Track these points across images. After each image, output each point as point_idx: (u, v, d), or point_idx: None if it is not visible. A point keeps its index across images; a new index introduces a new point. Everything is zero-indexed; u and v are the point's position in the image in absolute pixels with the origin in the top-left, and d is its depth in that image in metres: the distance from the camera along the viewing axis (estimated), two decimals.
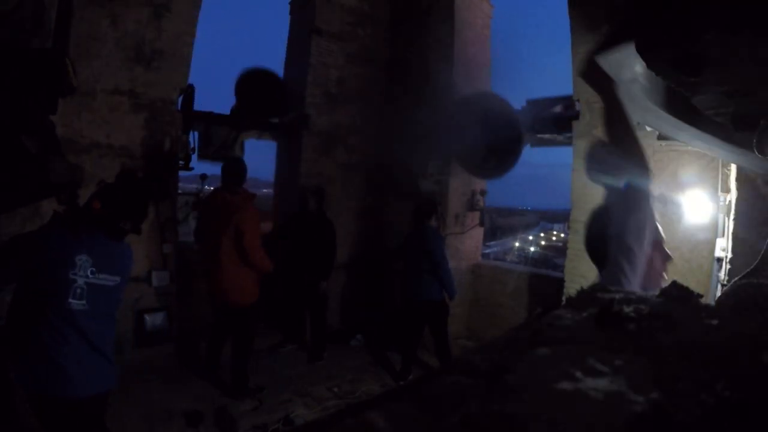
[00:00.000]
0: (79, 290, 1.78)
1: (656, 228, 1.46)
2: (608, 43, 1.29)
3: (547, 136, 4.28)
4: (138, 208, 1.95)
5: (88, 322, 1.80)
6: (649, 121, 1.58)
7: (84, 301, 1.79)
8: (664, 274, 1.38)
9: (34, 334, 1.73)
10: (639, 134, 3.29)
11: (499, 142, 4.13)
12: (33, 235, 1.80)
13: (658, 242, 1.40)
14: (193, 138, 4.09)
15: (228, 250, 3.26)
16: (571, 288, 3.62)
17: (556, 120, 4.17)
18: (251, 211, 3.35)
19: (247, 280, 3.37)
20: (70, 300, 1.76)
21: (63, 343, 1.74)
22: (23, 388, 1.79)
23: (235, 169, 3.45)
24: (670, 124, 1.41)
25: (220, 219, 3.28)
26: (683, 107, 1.27)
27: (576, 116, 3.80)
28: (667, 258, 1.41)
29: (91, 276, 1.82)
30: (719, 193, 3.03)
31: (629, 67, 1.27)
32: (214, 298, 3.48)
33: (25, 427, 1.95)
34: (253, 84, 4.67)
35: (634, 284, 1.21)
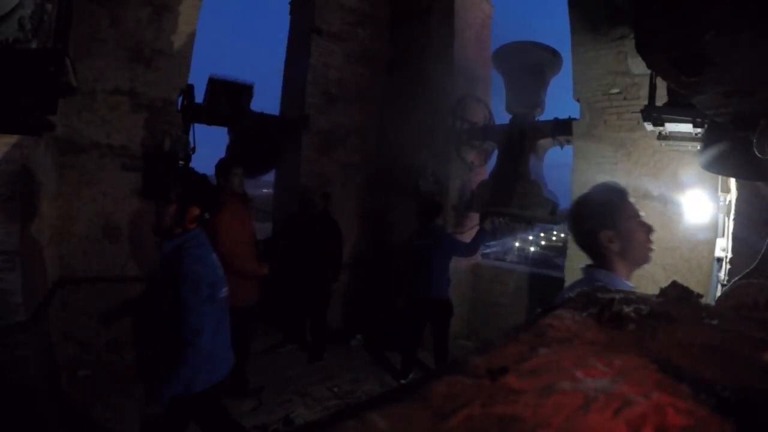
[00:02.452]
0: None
1: None
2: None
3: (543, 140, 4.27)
4: (213, 193, 2.13)
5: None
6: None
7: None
8: None
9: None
10: (639, 134, 3.31)
11: None
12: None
13: None
14: (193, 138, 4.09)
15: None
16: None
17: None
18: (226, 214, 3.11)
19: (246, 280, 3.30)
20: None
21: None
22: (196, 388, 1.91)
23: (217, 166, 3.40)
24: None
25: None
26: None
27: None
28: None
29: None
30: (719, 193, 3.03)
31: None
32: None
33: None
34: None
35: None
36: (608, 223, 1.26)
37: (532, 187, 4.03)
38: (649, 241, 1.28)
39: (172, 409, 1.88)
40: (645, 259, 1.30)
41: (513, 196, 4.09)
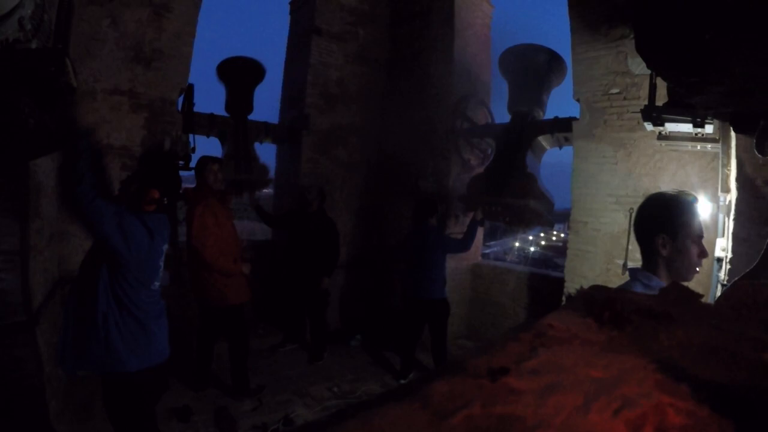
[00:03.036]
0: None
1: None
2: None
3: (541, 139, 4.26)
4: (178, 183, 2.20)
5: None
6: None
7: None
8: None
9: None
10: (639, 134, 3.31)
11: None
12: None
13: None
14: (193, 138, 4.09)
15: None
16: (571, 288, 3.62)
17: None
18: (200, 208, 3.22)
19: (232, 279, 3.31)
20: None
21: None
22: None
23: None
24: None
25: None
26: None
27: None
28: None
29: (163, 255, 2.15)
30: (719, 193, 3.03)
31: None
32: (204, 301, 3.36)
33: None
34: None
35: None
36: (668, 230, 1.29)
37: (527, 179, 4.02)
38: (699, 264, 1.31)
39: (106, 386, 2.00)
40: (687, 277, 1.32)
41: (507, 186, 4.07)
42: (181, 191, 2.17)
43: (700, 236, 1.31)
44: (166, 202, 2.03)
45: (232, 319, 3.41)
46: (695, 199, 1.38)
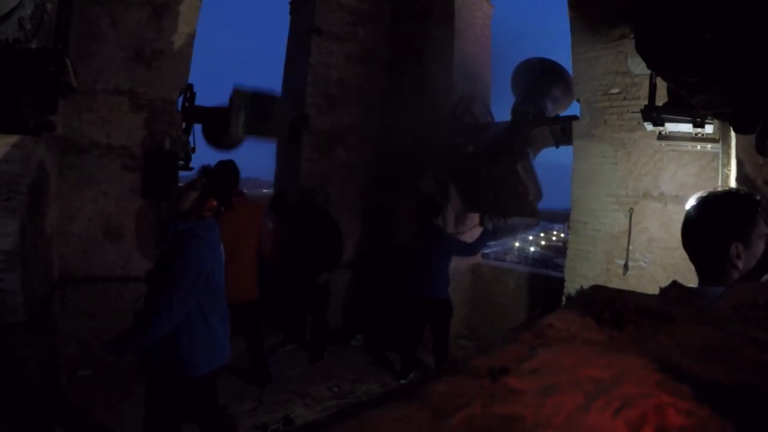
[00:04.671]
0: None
1: None
2: None
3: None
4: (232, 189, 2.33)
5: None
6: None
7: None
8: None
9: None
10: (639, 134, 3.31)
11: None
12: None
13: None
14: (193, 138, 4.09)
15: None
16: (571, 288, 3.62)
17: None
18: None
19: (254, 277, 3.52)
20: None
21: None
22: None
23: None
24: None
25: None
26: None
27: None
28: None
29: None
30: None
31: None
32: (236, 298, 3.45)
33: None
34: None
35: None
36: (742, 235, 1.12)
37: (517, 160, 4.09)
38: None
39: (167, 388, 2.00)
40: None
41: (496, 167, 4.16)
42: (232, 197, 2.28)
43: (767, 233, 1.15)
44: (221, 209, 2.15)
45: (252, 314, 3.57)
46: (751, 191, 1.21)
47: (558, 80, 4.29)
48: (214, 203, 2.09)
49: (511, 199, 4.20)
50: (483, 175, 4.28)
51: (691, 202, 1.24)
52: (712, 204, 1.18)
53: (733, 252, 1.10)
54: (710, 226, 1.17)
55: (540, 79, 4.37)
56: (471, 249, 3.91)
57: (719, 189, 1.24)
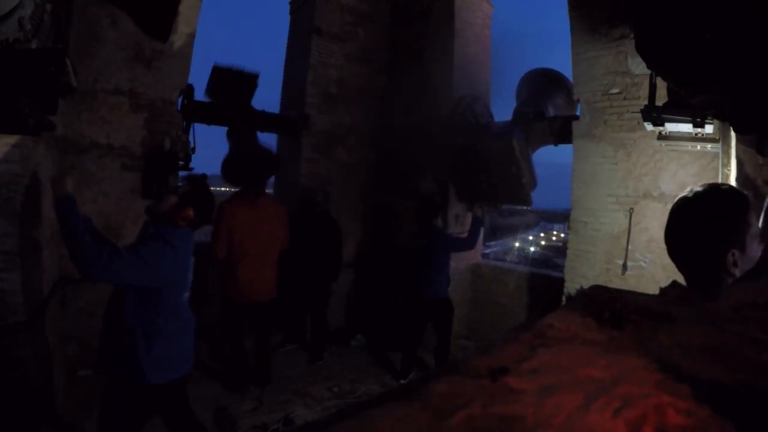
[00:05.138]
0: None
1: None
2: None
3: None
4: (212, 206, 2.26)
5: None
6: None
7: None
8: None
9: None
10: (639, 134, 3.31)
11: None
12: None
13: None
14: (193, 138, 4.09)
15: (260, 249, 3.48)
16: (571, 288, 3.62)
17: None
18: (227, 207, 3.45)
19: (276, 277, 3.59)
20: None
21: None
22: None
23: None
24: None
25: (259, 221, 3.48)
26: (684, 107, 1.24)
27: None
28: None
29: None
30: None
31: None
32: (241, 298, 3.46)
33: None
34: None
35: None
36: (737, 240, 1.01)
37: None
38: None
39: (125, 397, 1.97)
40: None
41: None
42: (212, 214, 2.25)
43: (758, 232, 1.05)
44: (197, 222, 2.11)
45: (266, 314, 3.63)
46: (739, 189, 1.09)
47: (561, 89, 4.30)
48: (191, 213, 2.05)
49: (505, 180, 4.12)
50: (477, 154, 4.22)
51: (676, 205, 1.13)
52: (701, 207, 1.06)
53: (729, 260, 1.00)
54: (702, 234, 1.04)
55: (543, 86, 4.40)
56: (468, 242, 3.89)
57: (702, 188, 1.10)
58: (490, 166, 4.20)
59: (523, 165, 4.02)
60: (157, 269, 1.90)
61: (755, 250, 1.03)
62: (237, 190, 3.62)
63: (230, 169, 3.66)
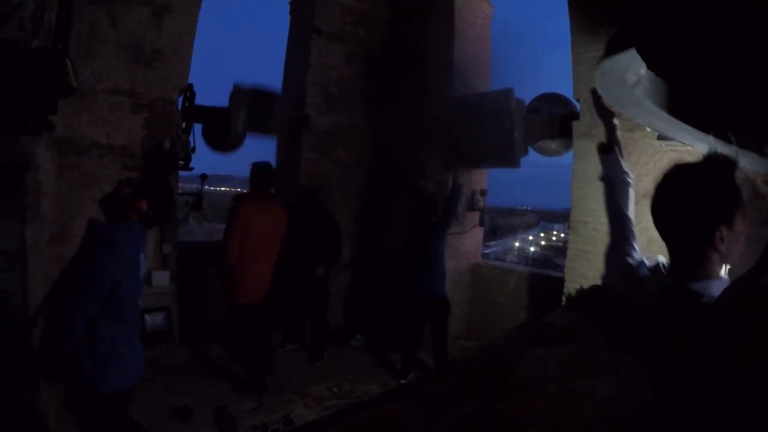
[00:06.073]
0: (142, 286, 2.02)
1: None
2: (611, 48, 1.09)
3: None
4: (170, 203, 2.13)
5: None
6: (653, 123, 1.53)
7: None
8: None
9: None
10: (638, 134, 3.31)
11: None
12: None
13: None
14: (193, 138, 4.10)
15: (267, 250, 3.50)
16: (571, 288, 3.62)
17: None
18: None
19: (253, 278, 3.51)
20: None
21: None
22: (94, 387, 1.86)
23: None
24: (674, 125, 1.38)
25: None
26: (685, 108, 1.24)
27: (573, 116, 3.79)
28: None
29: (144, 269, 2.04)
30: None
31: (633, 70, 1.20)
32: (249, 299, 3.45)
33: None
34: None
35: None
36: (727, 218, 0.97)
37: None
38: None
39: (82, 410, 1.86)
40: (731, 263, 1.05)
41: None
42: (170, 212, 2.10)
43: (746, 212, 1.02)
44: (151, 217, 1.98)
45: (262, 316, 3.62)
46: (731, 156, 1.02)
47: (565, 106, 4.27)
48: (144, 206, 1.92)
49: (494, 131, 3.97)
50: (471, 108, 4.13)
51: (665, 176, 1.10)
52: (684, 186, 1.03)
53: (717, 236, 0.97)
54: (690, 209, 1.00)
55: (545, 100, 4.35)
56: (448, 211, 3.83)
57: (693, 162, 1.08)
58: (482, 121, 4.08)
59: (516, 120, 3.90)
60: (107, 273, 1.77)
61: (742, 230, 1.01)
62: (246, 191, 3.62)
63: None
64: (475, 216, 4.95)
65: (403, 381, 3.91)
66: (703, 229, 0.98)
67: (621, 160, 1.51)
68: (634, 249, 1.33)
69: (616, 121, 1.51)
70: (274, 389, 3.58)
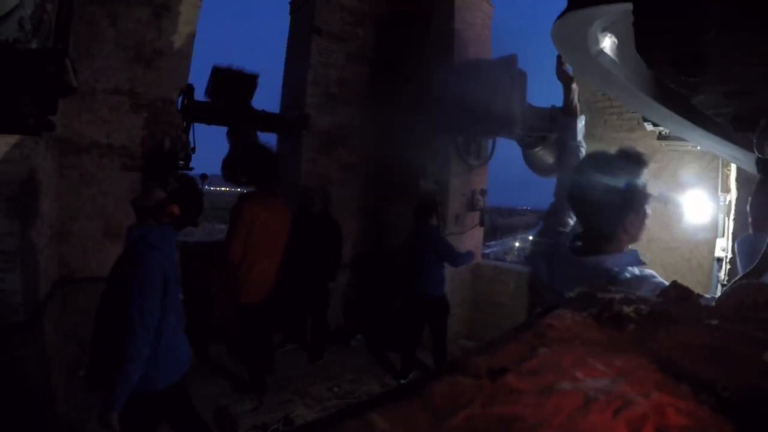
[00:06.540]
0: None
1: None
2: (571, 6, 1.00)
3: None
4: (200, 207, 2.21)
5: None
6: (623, 98, 1.48)
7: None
8: None
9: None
10: (638, 134, 3.31)
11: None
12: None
13: None
14: (193, 138, 4.09)
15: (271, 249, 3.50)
16: None
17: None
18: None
19: (259, 277, 3.52)
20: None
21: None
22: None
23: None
24: (648, 106, 1.35)
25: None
26: (660, 90, 1.22)
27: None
28: None
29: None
30: (719, 193, 3.04)
31: (593, 39, 1.08)
32: (250, 298, 3.45)
33: None
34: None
35: None
36: (636, 206, 1.14)
37: None
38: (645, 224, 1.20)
39: (134, 409, 1.88)
40: (636, 240, 1.22)
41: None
42: (199, 216, 2.22)
43: (649, 194, 1.18)
44: (181, 221, 2.06)
45: (264, 315, 3.62)
46: (639, 151, 1.19)
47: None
48: (176, 210, 2.00)
49: (491, 101, 3.86)
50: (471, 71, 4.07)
51: (581, 165, 1.25)
52: (609, 173, 1.15)
53: (627, 222, 1.14)
54: (608, 201, 1.14)
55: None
56: (454, 258, 3.81)
57: (609, 152, 1.22)
58: (481, 85, 3.99)
59: (517, 85, 3.82)
60: (155, 281, 1.86)
61: (647, 211, 1.17)
62: (252, 190, 3.62)
63: (231, 169, 3.66)
64: (475, 216, 4.95)
65: (403, 381, 3.91)
66: (617, 218, 1.14)
67: (579, 127, 1.53)
68: (570, 217, 1.40)
69: (575, 86, 1.55)
70: (274, 389, 3.58)
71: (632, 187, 1.13)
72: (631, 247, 1.21)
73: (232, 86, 4.19)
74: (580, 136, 1.58)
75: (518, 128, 3.93)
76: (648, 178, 1.23)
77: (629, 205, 1.13)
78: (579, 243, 1.28)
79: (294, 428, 3.08)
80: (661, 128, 2.68)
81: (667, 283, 1.13)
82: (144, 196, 2.00)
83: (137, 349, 1.78)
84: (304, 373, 3.96)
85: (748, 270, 1.08)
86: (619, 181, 1.12)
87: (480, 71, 4.14)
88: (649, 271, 1.14)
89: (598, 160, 1.22)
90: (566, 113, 1.61)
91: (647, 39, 0.84)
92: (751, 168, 1.40)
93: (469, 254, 3.90)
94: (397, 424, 0.25)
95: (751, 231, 1.38)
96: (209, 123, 4.25)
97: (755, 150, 1.01)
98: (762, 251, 1.12)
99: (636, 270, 1.12)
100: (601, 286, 0.53)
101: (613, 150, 1.22)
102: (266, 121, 4.65)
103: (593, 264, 1.16)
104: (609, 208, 1.15)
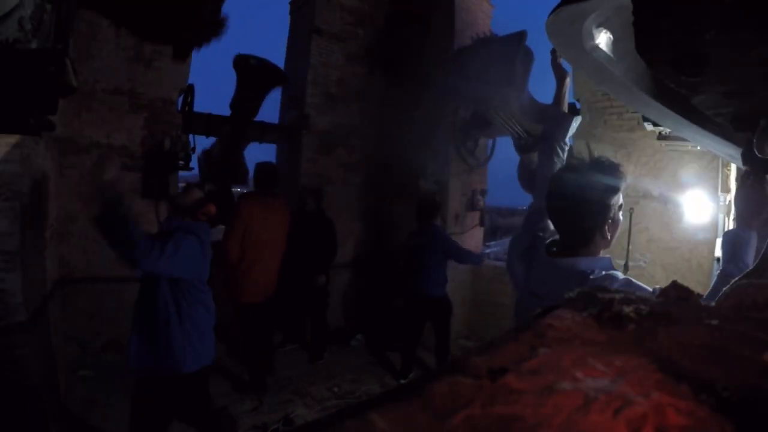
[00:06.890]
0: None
1: None
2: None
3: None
4: (232, 208, 2.45)
5: None
6: (614, 90, 1.48)
7: None
8: None
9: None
10: (638, 134, 3.31)
11: None
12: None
13: None
14: (193, 138, 4.09)
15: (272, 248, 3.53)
16: None
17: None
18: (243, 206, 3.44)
19: (260, 277, 3.52)
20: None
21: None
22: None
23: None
24: (645, 103, 1.36)
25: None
26: (657, 87, 1.22)
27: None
28: None
29: None
30: (719, 193, 3.04)
31: (588, 35, 1.09)
32: (250, 298, 3.46)
33: None
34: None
35: None
36: (612, 214, 1.19)
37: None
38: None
39: (158, 390, 2.04)
40: (609, 245, 1.26)
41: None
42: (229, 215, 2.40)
43: (621, 200, 1.23)
44: (216, 219, 2.24)
45: (266, 314, 3.64)
46: (612, 160, 1.23)
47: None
48: (213, 209, 2.17)
49: (502, 66, 3.86)
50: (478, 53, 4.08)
51: (558, 175, 1.28)
52: (585, 181, 1.19)
53: (605, 229, 1.19)
54: (586, 209, 1.19)
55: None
56: (463, 256, 3.80)
57: (583, 160, 1.27)
58: (486, 67, 4.00)
59: (521, 60, 3.82)
60: (193, 261, 2.04)
61: (620, 217, 1.22)
62: (251, 190, 3.64)
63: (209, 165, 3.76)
64: (475, 216, 4.95)
65: (403, 381, 3.91)
66: (592, 224, 1.19)
67: (572, 128, 1.54)
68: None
69: (568, 80, 1.57)
70: (274, 389, 3.58)
71: (608, 196, 1.18)
72: (603, 253, 1.26)
73: (267, 81, 4.32)
74: (569, 138, 1.59)
75: (517, 101, 3.88)
76: (647, 180, 1.24)
77: (605, 213, 1.18)
78: (554, 249, 1.32)
79: (294, 428, 3.08)
80: (661, 128, 2.68)
81: (639, 283, 1.16)
82: (184, 194, 2.16)
83: (135, 238, 1.90)
84: (304, 373, 3.95)
85: (748, 270, 1.08)
86: (595, 190, 1.18)
87: (488, 42, 4.15)
88: (616, 271, 1.19)
89: (574, 170, 1.26)
90: (572, 113, 1.63)
91: (647, 39, 0.84)
92: (713, 149, 1.42)
93: (480, 256, 3.91)
94: (397, 424, 0.25)
95: (735, 226, 1.42)
96: (207, 135, 4.26)
97: (755, 150, 1.01)
98: (762, 251, 1.12)
99: (604, 272, 1.17)
100: (601, 286, 0.53)
101: (591, 157, 1.27)
102: (265, 130, 4.69)
103: (568, 265, 1.21)
104: (586, 215, 1.19)
